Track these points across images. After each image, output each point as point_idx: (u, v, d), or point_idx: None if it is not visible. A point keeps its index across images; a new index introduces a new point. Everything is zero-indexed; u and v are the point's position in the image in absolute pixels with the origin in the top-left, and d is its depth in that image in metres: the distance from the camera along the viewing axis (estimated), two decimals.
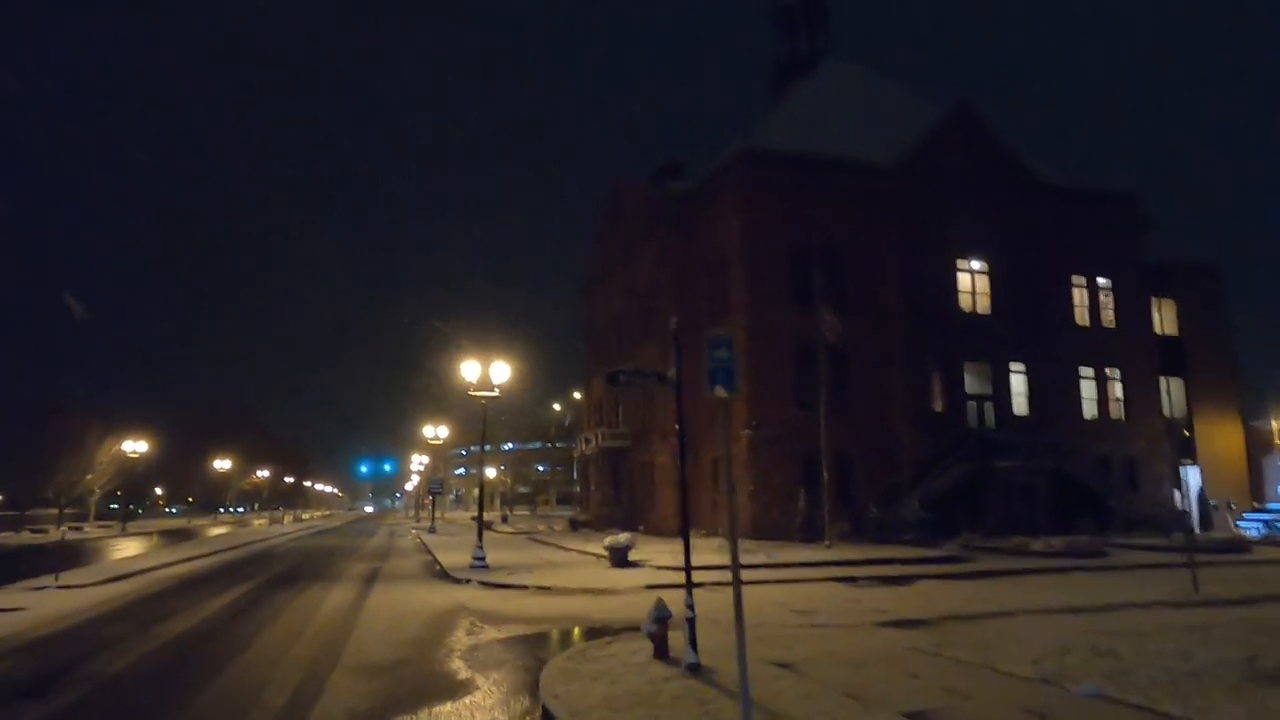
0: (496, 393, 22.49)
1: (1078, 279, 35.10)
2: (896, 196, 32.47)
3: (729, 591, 6.76)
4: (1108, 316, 35.41)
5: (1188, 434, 36.39)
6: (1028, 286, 33.61)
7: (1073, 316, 34.82)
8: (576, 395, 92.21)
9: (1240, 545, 25.44)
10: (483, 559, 21.42)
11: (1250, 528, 34.20)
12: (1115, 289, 35.53)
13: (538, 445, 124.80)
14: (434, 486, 49.50)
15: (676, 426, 10.20)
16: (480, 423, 24.03)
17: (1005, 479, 29.57)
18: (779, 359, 30.58)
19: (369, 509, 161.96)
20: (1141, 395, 35.09)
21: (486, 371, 22.37)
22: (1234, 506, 34.72)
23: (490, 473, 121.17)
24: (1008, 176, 34.44)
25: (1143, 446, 34.58)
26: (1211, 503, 32.31)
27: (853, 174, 32.72)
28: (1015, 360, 33.11)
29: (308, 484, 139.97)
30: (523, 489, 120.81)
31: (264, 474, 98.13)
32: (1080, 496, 30.35)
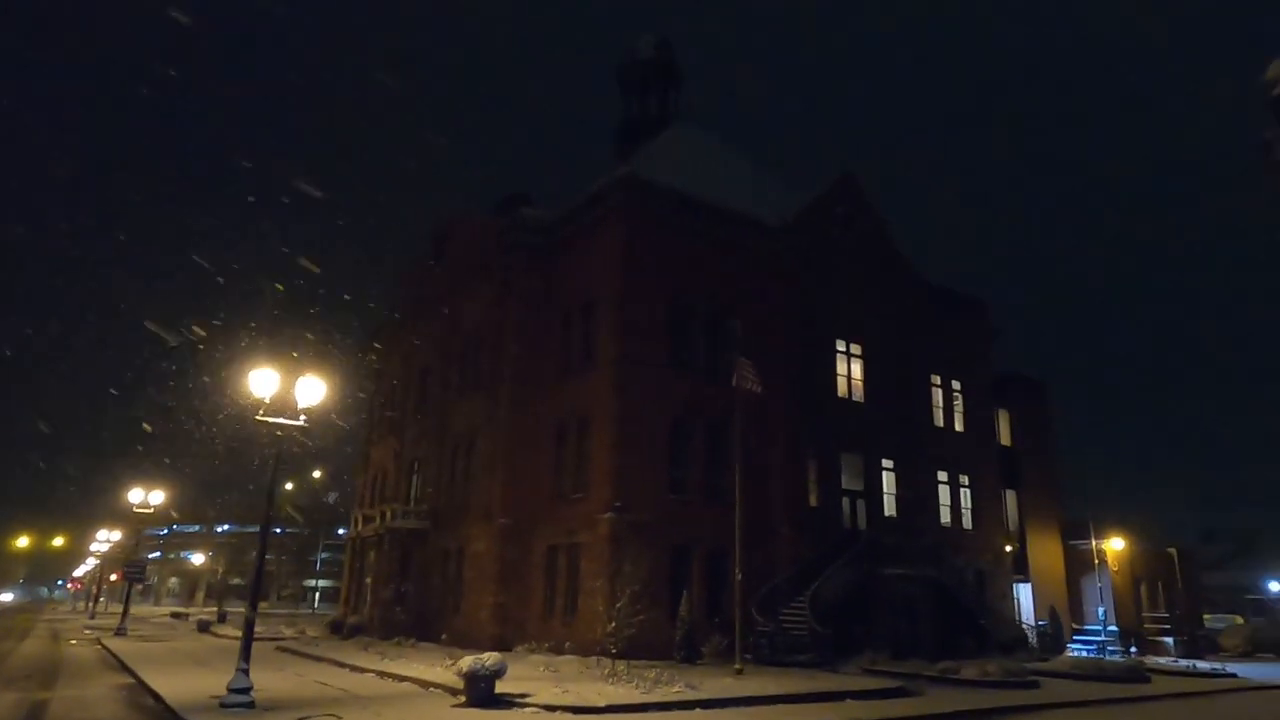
0: (304, 421, 14.53)
1: (935, 378, 33.57)
2: (785, 261, 29.03)
3: None
4: (959, 421, 34.10)
5: (1015, 549, 35.53)
6: (895, 379, 31.33)
7: (932, 417, 33.01)
8: (316, 474, 78.21)
9: (1139, 674, 23.18)
10: (248, 692, 12.91)
11: (1080, 650, 33.28)
12: (965, 394, 34.46)
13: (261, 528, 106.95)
14: (133, 571, 36.69)
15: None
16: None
17: (892, 590, 25.76)
18: (652, 429, 24.96)
19: (7, 597, 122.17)
20: (989, 506, 33.73)
21: (290, 389, 14.44)
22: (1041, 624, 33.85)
23: (197, 559, 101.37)
24: (883, 261, 32.57)
25: (990, 560, 32.94)
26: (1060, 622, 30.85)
27: (742, 229, 28.91)
28: (886, 456, 30.22)
29: None
30: (237, 580, 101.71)
31: None
32: (956, 612, 27.33)
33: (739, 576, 18.24)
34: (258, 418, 14.14)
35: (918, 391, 32.42)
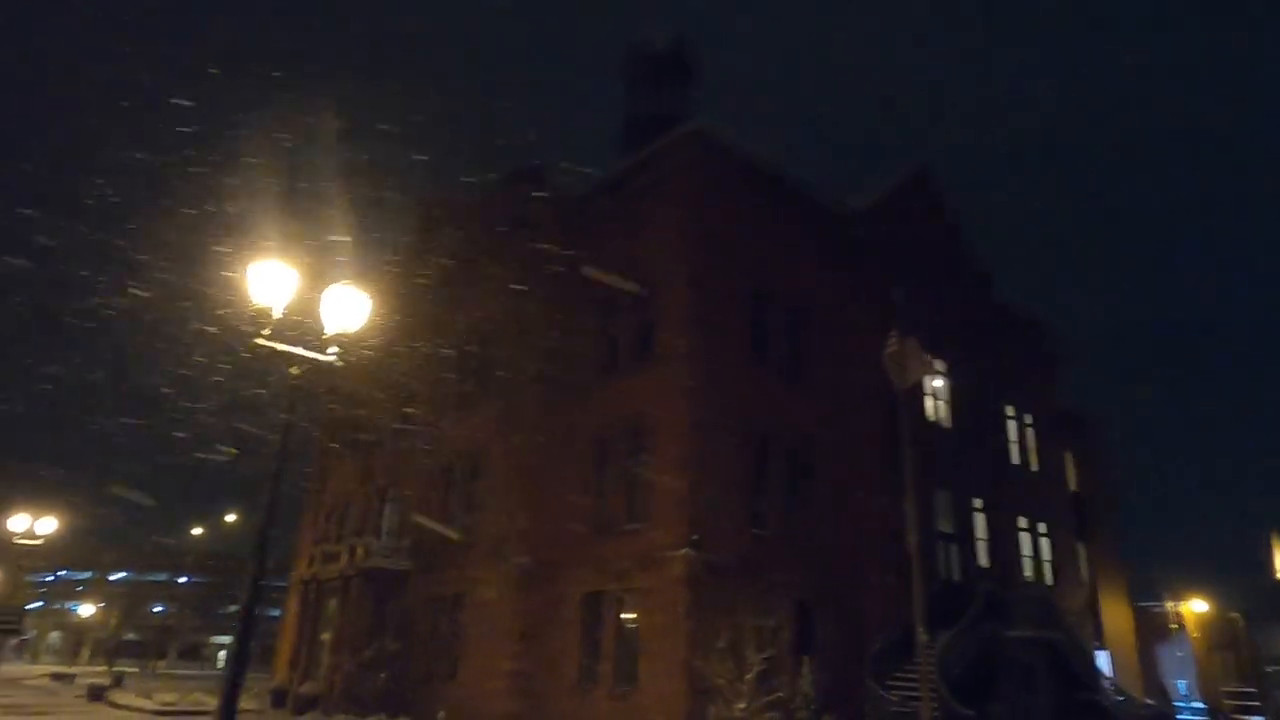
0: (335, 357, 8.66)
1: (1009, 409, 29.07)
2: (865, 255, 24.32)
3: None
4: (1034, 459, 29.54)
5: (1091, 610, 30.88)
6: (974, 405, 26.70)
7: (1008, 453, 28.39)
8: (230, 517, 68.22)
9: None
10: None
11: None
12: (1036, 428, 30.03)
13: (162, 577, 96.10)
14: (7, 620, 28.54)
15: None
16: None
17: (1013, 657, 20.58)
18: (731, 447, 19.47)
19: None
20: (1066, 559, 29.06)
21: (316, 299, 8.64)
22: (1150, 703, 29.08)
23: (85, 610, 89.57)
24: (956, 267, 28.23)
25: (1072, 621, 28.07)
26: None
27: (816, 213, 24.17)
28: (976, 495, 25.33)
29: None
30: (132, 636, 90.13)
31: None
32: (1073, 685, 22.25)
33: (925, 638, 12.76)
34: (258, 340, 8.20)
35: (994, 422, 27.84)
